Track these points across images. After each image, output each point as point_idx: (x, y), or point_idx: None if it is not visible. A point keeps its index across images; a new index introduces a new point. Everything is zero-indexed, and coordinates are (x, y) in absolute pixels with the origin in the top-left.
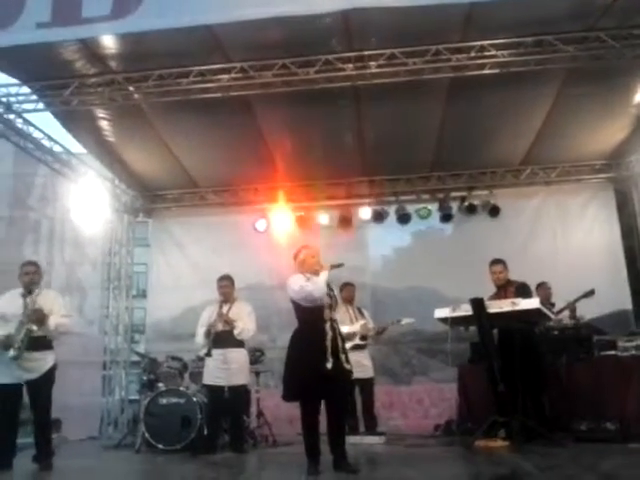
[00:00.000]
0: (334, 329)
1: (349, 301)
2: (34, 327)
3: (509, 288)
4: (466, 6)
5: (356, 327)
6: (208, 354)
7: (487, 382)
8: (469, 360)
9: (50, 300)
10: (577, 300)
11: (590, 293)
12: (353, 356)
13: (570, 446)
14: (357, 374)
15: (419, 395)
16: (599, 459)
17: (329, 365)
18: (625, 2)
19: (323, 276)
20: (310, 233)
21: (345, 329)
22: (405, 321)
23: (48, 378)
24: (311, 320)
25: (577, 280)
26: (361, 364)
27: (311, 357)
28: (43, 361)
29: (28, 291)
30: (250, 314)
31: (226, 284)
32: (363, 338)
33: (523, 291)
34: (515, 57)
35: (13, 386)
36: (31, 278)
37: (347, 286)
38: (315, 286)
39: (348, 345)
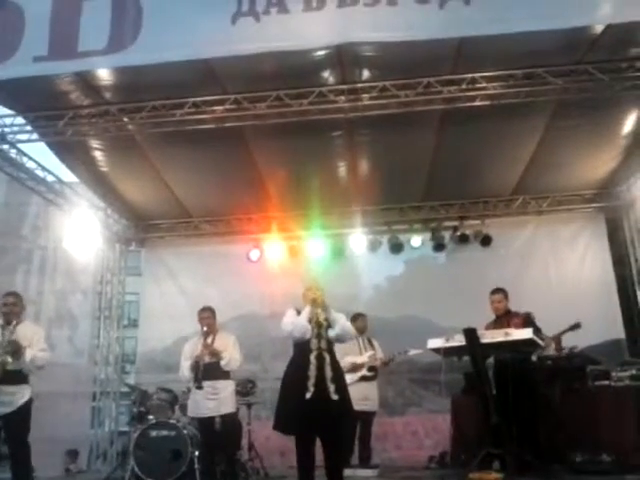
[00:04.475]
0: (321, 358)
1: (360, 331)
2: (9, 359)
3: (511, 319)
4: (457, 39)
5: (364, 358)
6: (199, 387)
7: (481, 413)
8: (463, 391)
9: (29, 332)
10: (563, 333)
11: (576, 326)
12: (359, 388)
13: (565, 478)
14: (360, 406)
15: (413, 426)
16: None
17: (308, 395)
18: (612, 36)
19: (304, 314)
20: (303, 263)
21: (353, 360)
22: (413, 352)
23: (23, 412)
24: (298, 350)
25: (569, 309)
26: (366, 397)
27: (294, 388)
28: (18, 394)
29: (7, 322)
30: (235, 344)
31: (208, 315)
32: (371, 369)
33: (529, 324)
34: (505, 89)
35: None
36: (10, 309)
37: (359, 317)
38: (294, 327)
39: (355, 376)
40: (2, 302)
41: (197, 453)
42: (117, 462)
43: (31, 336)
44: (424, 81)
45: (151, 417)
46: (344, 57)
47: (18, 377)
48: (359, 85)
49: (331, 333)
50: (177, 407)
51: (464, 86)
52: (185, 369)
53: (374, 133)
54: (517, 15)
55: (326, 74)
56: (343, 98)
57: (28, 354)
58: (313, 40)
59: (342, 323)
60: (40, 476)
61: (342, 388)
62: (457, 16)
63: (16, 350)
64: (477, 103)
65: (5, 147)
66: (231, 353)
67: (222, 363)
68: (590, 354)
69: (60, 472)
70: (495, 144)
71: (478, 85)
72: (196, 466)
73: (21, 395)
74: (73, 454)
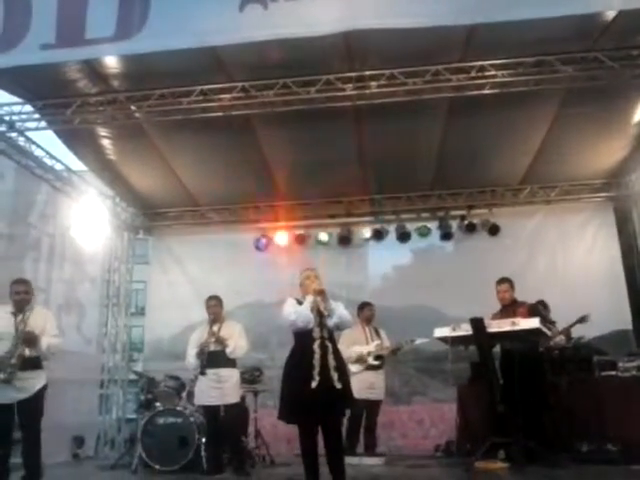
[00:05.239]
0: (325, 347)
1: (368, 321)
2: (26, 351)
3: (517, 308)
4: (466, 27)
5: (370, 347)
6: (202, 373)
7: (487, 402)
8: (469, 380)
9: (42, 319)
10: (571, 326)
11: (584, 319)
12: (366, 376)
13: (571, 468)
14: (366, 395)
15: (419, 415)
16: None
17: (314, 384)
18: (623, 23)
19: (306, 303)
20: (310, 251)
21: (360, 349)
22: (419, 341)
23: (39, 398)
24: (300, 339)
25: (577, 299)
26: (372, 385)
27: (298, 376)
28: (34, 380)
29: (19, 310)
30: (241, 332)
31: (215, 303)
32: (378, 358)
33: (535, 313)
34: (515, 77)
35: (5, 406)
36: (22, 297)
37: (366, 306)
38: (297, 315)
39: (362, 365)
40: (13, 290)
41: (204, 440)
42: (125, 449)
43: (43, 323)
44: (432, 69)
45: (158, 404)
46: (352, 44)
47: (33, 363)
48: (367, 73)
49: (329, 322)
50: (184, 395)
51: (473, 74)
52: (191, 357)
53: (382, 121)
54: (528, 1)
55: (333, 62)
56: (351, 86)
57: (44, 342)
58: (320, 27)
59: (339, 312)
60: (48, 462)
61: (345, 376)
62: (467, 3)
63: (32, 339)
64: (486, 91)
65: (14, 135)
66: (236, 341)
67: (227, 351)
68: (597, 344)
69: (68, 458)
70: (504, 133)
71: (487, 73)
72: (203, 453)
73: (37, 381)
74: (79, 440)
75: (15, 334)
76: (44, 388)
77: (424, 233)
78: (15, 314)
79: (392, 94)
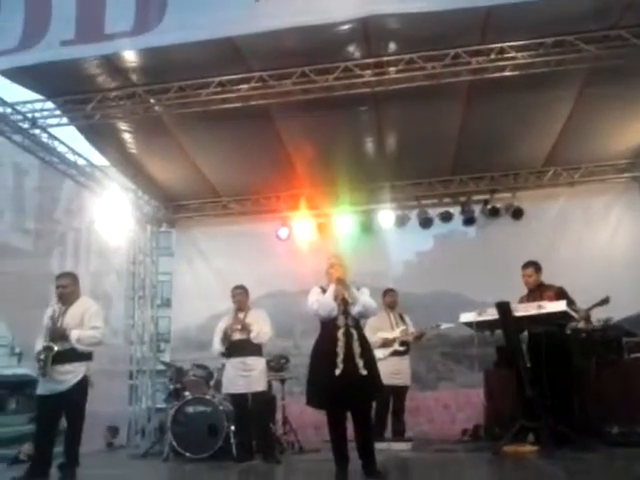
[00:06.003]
0: (349, 335)
1: (391, 307)
2: (55, 347)
3: (543, 292)
4: (484, 8)
5: (395, 333)
6: (224, 354)
7: (514, 386)
8: (495, 364)
9: (80, 311)
10: (591, 308)
11: (605, 301)
12: (391, 362)
13: (601, 451)
14: (392, 381)
15: (445, 400)
16: (631, 464)
17: (337, 372)
18: None
19: (329, 292)
20: (332, 239)
21: (385, 335)
22: (445, 326)
23: (77, 390)
24: (325, 327)
25: (603, 281)
26: (398, 371)
27: (323, 364)
28: (72, 374)
29: (63, 303)
30: (265, 318)
31: (240, 292)
32: (403, 344)
33: (562, 297)
34: (535, 58)
35: (48, 397)
36: (61, 292)
37: (389, 292)
38: (319, 305)
39: (387, 351)
40: (56, 284)
41: (233, 428)
42: (155, 437)
43: (81, 315)
44: (451, 52)
45: (187, 393)
46: (369, 30)
47: (72, 356)
48: (385, 58)
49: (353, 310)
50: (212, 383)
51: (493, 56)
52: (216, 342)
53: (401, 107)
54: None
55: (351, 48)
56: (369, 72)
57: (73, 335)
58: (338, 14)
59: (363, 300)
60: (83, 450)
61: (371, 363)
62: None
63: (60, 335)
64: (506, 73)
65: (37, 132)
66: (261, 326)
67: (252, 335)
68: (625, 326)
69: (102, 446)
70: (525, 115)
71: (507, 55)
72: (232, 440)
73: (74, 374)
74: (114, 430)
75: (48, 328)
76: (82, 380)
77: (446, 218)
78: (60, 308)
79: (411, 79)
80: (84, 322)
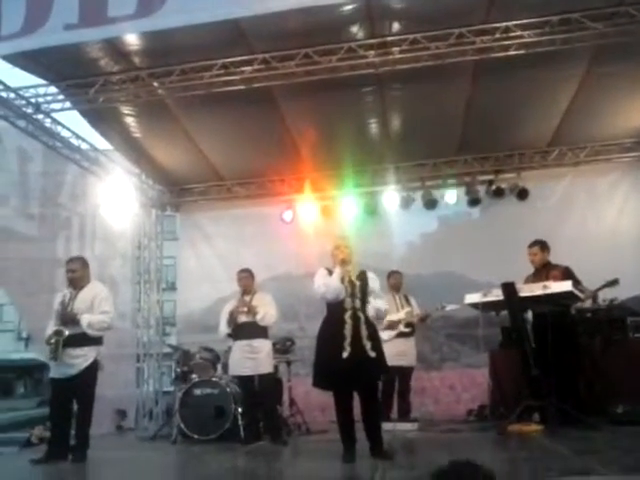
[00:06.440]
0: (356, 318)
1: (396, 289)
2: (65, 331)
3: (550, 271)
4: None
5: (400, 315)
6: (230, 336)
7: (519, 366)
8: (500, 345)
9: (90, 296)
10: (599, 289)
11: (614, 282)
12: (397, 344)
13: (606, 429)
14: (397, 362)
15: (450, 380)
16: (636, 442)
17: (345, 354)
18: None
19: (335, 274)
20: (336, 222)
21: (390, 317)
22: (450, 307)
23: (87, 374)
24: (332, 309)
25: (608, 261)
26: (403, 352)
27: (330, 346)
28: (82, 358)
29: (73, 287)
30: (271, 301)
31: (246, 275)
32: (408, 325)
33: (569, 276)
34: (541, 37)
35: (60, 380)
36: (71, 276)
37: (394, 274)
38: (326, 288)
39: (392, 333)
40: (66, 268)
41: (240, 410)
42: (163, 420)
43: (91, 300)
44: (456, 32)
45: (194, 376)
46: (373, 10)
47: (83, 340)
48: (389, 39)
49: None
50: (219, 366)
51: (497, 35)
52: (222, 325)
53: (405, 87)
54: None
55: (355, 29)
56: (373, 52)
57: (84, 320)
58: None
59: (374, 305)
60: (93, 433)
61: (378, 345)
62: None
63: (70, 320)
64: (511, 52)
65: (40, 117)
66: (266, 309)
67: (257, 318)
68: (630, 305)
69: (111, 429)
70: (530, 94)
71: (512, 34)
72: (240, 422)
73: (85, 358)
74: (122, 413)
75: (58, 313)
76: (93, 364)
77: (451, 199)
78: (71, 292)
79: (415, 59)
80: (94, 307)
